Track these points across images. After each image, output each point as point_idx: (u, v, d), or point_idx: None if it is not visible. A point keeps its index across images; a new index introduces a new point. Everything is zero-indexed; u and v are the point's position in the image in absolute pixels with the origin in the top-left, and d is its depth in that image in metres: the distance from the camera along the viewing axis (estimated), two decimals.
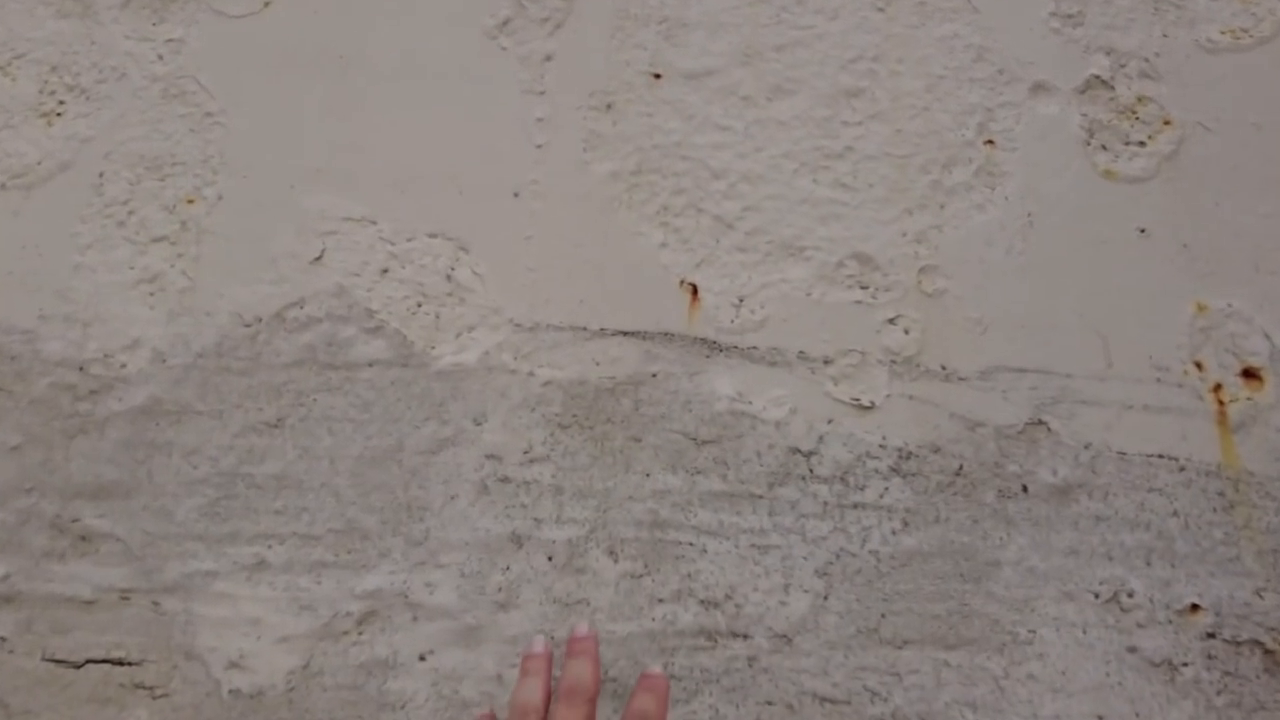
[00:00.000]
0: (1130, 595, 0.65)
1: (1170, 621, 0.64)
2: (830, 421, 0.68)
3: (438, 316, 0.70)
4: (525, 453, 0.67)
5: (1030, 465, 0.68)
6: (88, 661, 0.61)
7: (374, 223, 0.72)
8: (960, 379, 0.69)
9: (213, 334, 0.68)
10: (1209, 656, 0.64)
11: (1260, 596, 0.65)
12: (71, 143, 0.73)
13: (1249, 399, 0.70)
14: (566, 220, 0.72)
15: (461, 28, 0.77)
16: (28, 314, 0.68)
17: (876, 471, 0.67)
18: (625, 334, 0.69)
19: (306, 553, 0.64)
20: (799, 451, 0.67)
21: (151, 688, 0.61)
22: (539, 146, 0.74)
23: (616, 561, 0.64)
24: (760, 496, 0.66)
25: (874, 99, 0.77)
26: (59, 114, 0.74)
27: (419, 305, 0.70)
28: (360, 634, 0.62)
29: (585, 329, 0.70)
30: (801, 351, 0.70)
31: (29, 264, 0.70)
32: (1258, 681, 0.63)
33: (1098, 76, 0.78)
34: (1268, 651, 0.64)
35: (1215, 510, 0.67)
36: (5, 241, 0.70)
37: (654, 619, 0.63)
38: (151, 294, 0.69)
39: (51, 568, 0.63)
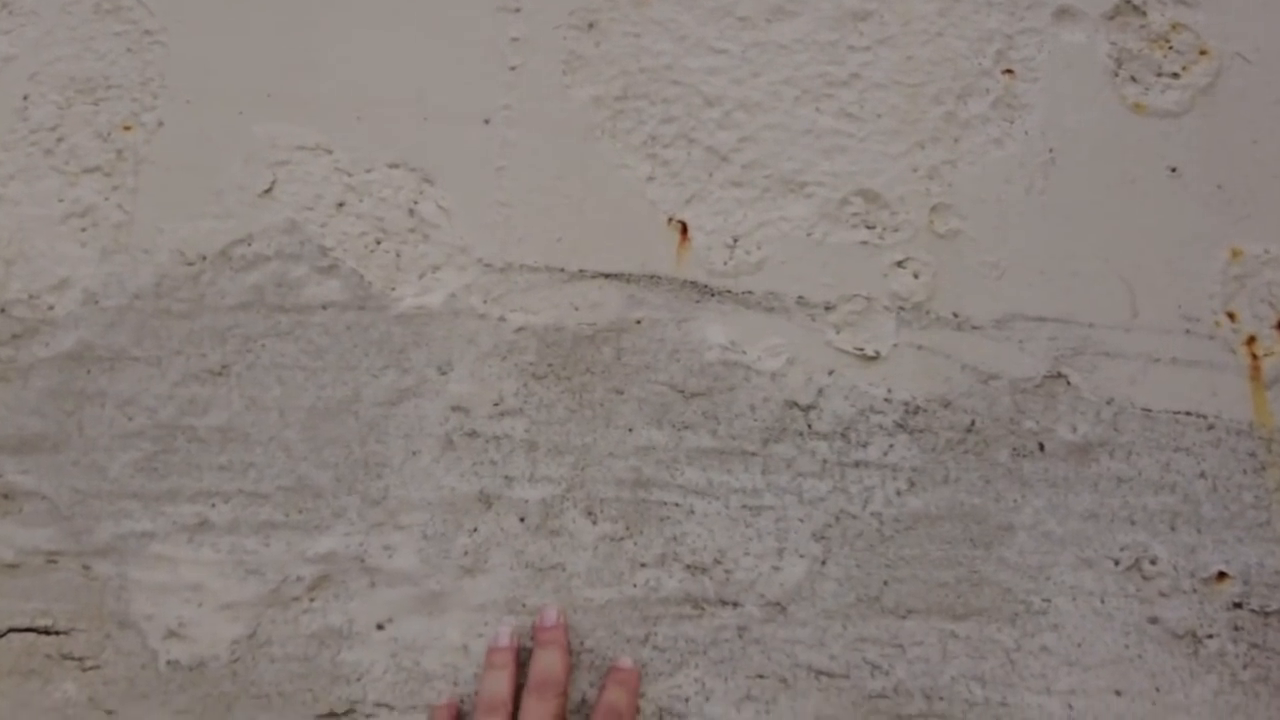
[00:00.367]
0: (1153, 562, 0.64)
1: (1195, 590, 0.63)
2: (831, 373, 0.67)
3: (399, 255, 0.67)
4: (495, 405, 0.65)
5: (1048, 422, 0.66)
6: (10, 630, 0.59)
7: (329, 151, 0.69)
8: (974, 328, 0.68)
9: (150, 273, 0.66)
10: (1235, 628, 0.63)
11: None
12: None
13: None
14: (543, 150, 0.70)
15: None
16: None
17: (881, 427, 0.65)
18: (607, 276, 0.68)
19: (253, 512, 0.62)
20: (796, 405, 0.66)
21: (81, 659, 0.59)
22: (513, 69, 0.72)
23: (595, 523, 0.63)
24: (753, 454, 0.65)
25: (883, 22, 0.74)
26: None
27: (378, 243, 0.67)
28: (312, 601, 0.61)
29: (563, 270, 0.68)
30: (801, 297, 0.68)
31: None
32: None
33: (1128, 1, 0.75)
34: None
35: (1245, 472, 0.66)
36: None
37: (635, 585, 0.62)
38: (83, 229, 0.66)
39: None
